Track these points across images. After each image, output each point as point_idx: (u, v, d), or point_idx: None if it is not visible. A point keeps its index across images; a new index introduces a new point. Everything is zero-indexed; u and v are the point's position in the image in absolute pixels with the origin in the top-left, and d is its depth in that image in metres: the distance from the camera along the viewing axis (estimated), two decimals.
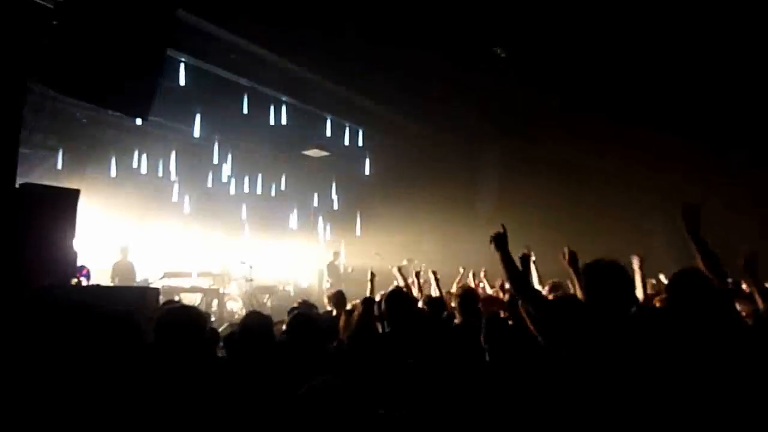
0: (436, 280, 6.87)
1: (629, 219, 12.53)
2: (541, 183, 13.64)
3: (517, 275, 3.61)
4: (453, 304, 5.34)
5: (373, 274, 6.75)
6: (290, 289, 15.48)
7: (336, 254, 15.10)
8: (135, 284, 11.12)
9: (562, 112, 12.55)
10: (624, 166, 12.59)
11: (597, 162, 13.03)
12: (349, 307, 6.09)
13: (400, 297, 4.08)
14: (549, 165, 13.61)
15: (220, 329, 8.83)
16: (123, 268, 11.38)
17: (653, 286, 6.54)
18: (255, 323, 3.85)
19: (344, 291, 7.12)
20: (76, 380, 1.25)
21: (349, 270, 14.38)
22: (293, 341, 3.90)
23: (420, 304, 5.92)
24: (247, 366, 3.65)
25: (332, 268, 14.70)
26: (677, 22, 8.92)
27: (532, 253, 5.88)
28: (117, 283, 10.77)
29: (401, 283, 6.83)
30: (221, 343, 4.12)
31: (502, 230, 3.75)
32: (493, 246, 3.70)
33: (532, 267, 6.64)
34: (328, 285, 13.61)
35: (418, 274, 7.14)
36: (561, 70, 11.06)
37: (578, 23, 9.48)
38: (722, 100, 10.45)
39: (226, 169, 15.01)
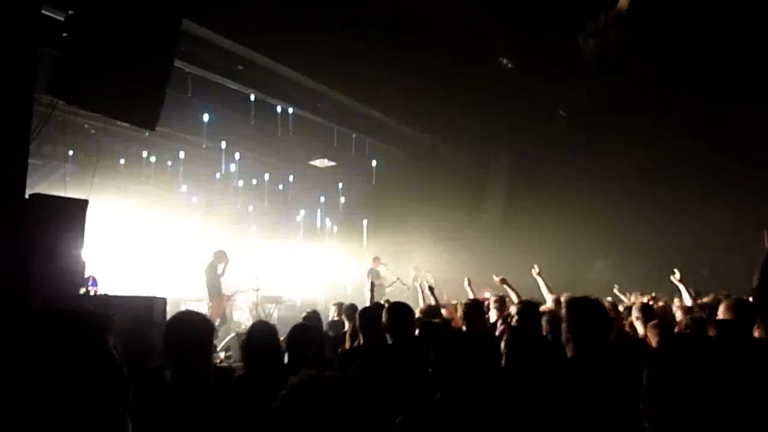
0: (431, 289, 6.91)
1: (633, 232, 12.50)
2: (547, 196, 13.63)
3: None
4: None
5: (431, 287, 6.79)
6: (297, 299, 15.43)
7: (377, 259, 13.74)
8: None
9: (571, 125, 12.58)
10: (625, 183, 12.62)
11: (603, 178, 13.02)
12: None
13: (401, 309, 4.11)
14: (556, 178, 13.57)
15: (227, 338, 8.90)
16: None
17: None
18: (261, 332, 3.91)
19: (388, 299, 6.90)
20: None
21: (395, 278, 13.41)
22: (293, 351, 3.99)
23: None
24: (252, 373, 3.70)
25: (375, 274, 13.03)
26: None
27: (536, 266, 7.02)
28: None
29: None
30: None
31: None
32: None
33: (540, 280, 6.92)
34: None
35: (431, 289, 7.10)
36: (570, 85, 11.13)
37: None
38: None
39: (234, 175, 15.13)
